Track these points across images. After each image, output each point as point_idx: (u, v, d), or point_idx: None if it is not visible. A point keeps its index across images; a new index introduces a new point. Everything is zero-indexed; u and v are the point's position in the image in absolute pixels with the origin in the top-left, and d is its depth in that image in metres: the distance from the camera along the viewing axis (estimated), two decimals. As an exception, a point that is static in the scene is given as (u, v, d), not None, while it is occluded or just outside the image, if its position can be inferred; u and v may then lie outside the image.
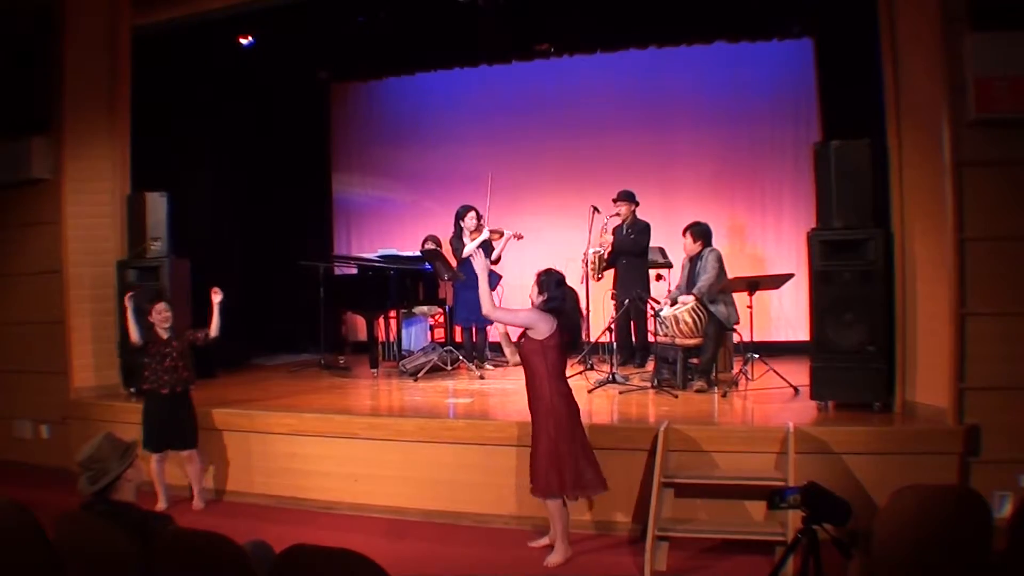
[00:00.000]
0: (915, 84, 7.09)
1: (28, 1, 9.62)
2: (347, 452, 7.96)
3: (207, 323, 8.13)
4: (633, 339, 10.93)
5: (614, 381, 9.20)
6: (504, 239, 10.94)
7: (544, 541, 6.72)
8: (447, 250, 11.10)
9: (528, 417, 6.49)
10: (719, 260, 9.05)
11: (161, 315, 7.92)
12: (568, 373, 6.30)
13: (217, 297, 8.11)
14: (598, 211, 10.58)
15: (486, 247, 10.66)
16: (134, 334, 8.02)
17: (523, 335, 6.44)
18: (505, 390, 9.51)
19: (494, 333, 11.41)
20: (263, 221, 13.38)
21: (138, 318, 8.04)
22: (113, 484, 4.52)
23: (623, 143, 12.67)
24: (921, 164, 7.04)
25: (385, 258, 11.43)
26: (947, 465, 6.53)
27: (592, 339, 10.49)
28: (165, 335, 7.95)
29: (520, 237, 10.95)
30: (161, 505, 7.84)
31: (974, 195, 6.67)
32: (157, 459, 7.96)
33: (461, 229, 10.88)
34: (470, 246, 10.54)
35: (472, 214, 10.86)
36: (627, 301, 10.15)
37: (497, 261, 10.89)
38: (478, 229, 10.84)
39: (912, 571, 3.27)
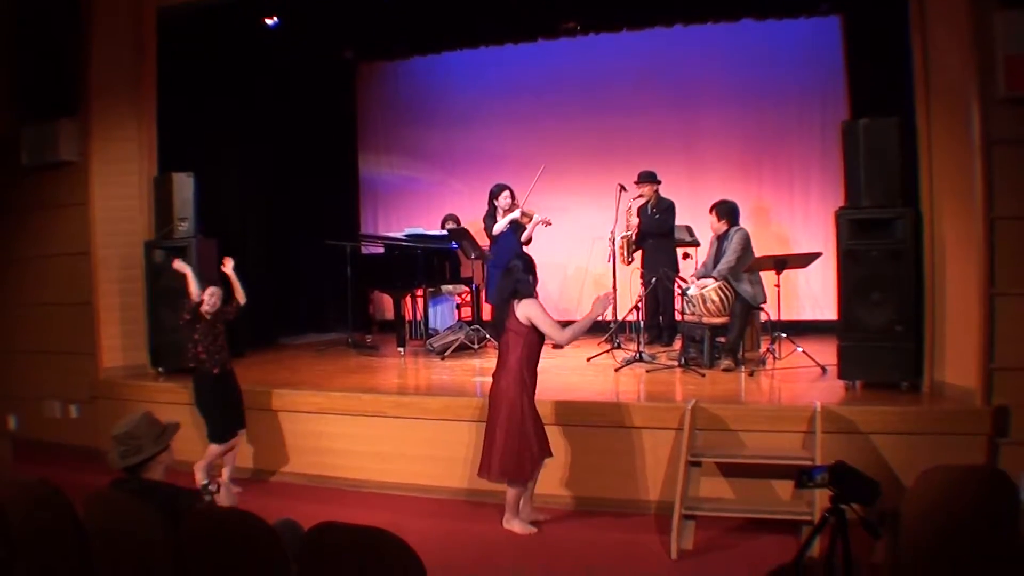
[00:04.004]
0: (944, 62, 7.02)
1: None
2: (374, 431, 8.01)
3: (231, 294, 8.06)
4: (660, 318, 10.91)
5: (641, 360, 9.19)
6: (533, 223, 10.80)
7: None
8: (479, 228, 11.05)
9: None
10: (743, 240, 9.03)
11: (213, 298, 7.74)
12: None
13: (228, 266, 8.08)
14: (624, 189, 10.54)
15: (516, 226, 10.63)
16: (194, 286, 7.87)
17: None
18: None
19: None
20: (290, 200, 13.34)
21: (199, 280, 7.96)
22: (145, 464, 4.56)
23: (649, 122, 12.61)
24: (950, 142, 6.98)
25: (412, 237, 11.46)
26: (975, 446, 6.50)
27: (619, 318, 10.49)
28: (209, 316, 7.83)
29: (548, 223, 10.66)
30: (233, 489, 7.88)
31: (1004, 174, 6.60)
32: (225, 446, 7.83)
33: (495, 208, 10.76)
34: (500, 223, 10.52)
35: (507, 193, 10.71)
36: (654, 280, 10.11)
37: (528, 242, 10.76)
38: (511, 208, 10.75)
39: (940, 552, 3.26)
